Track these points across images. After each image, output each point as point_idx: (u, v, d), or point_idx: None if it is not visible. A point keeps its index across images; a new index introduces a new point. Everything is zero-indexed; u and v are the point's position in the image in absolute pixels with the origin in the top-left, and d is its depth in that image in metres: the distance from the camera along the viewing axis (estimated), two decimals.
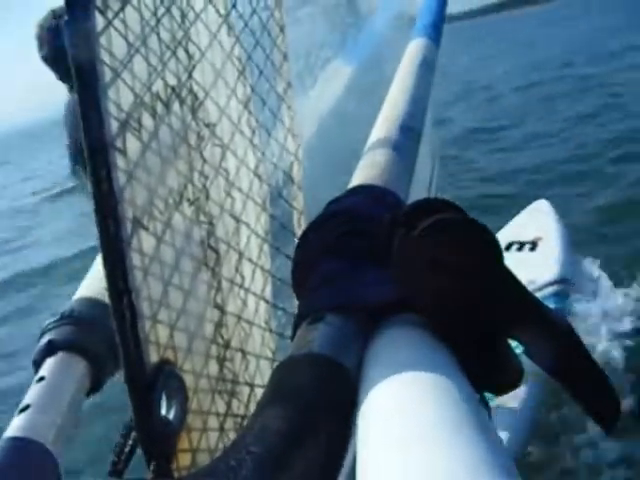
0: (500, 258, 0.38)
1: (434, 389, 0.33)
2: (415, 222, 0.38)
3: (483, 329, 0.39)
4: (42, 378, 0.68)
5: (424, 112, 0.74)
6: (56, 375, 0.69)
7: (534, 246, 4.12)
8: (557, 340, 0.41)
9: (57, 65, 2.19)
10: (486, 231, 0.38)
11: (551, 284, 3.56)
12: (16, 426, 0.63)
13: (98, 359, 0.73)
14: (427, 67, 0.83)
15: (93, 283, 0.80)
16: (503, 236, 4.52)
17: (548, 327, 0.41)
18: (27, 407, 0.65)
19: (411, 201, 0.42)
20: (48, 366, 0.70)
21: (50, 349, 0.71)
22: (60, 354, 0.71)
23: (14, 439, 0.62)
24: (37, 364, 0.71)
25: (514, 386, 0.41)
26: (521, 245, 4.18)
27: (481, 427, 0.30)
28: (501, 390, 0.41)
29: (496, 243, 0.38)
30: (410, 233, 0.38)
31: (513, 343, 0.41)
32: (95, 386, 0.74)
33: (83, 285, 0.81)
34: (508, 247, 4.20)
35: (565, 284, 3.64)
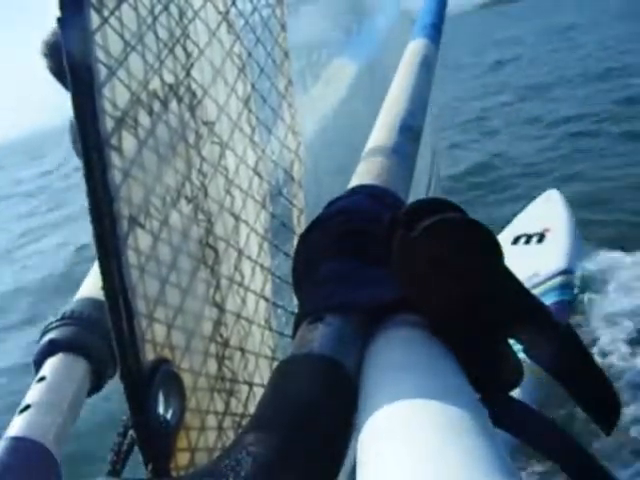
0: (500, 258, 0.38)
1: (434, 389, 0.33)
2: (415, 222, 0.38)
3: (483, 329, 0.39)
4: (43, 378, 0.68)
5: (424, 112, 0.74)
6: (57, 375, 0.69)
7: (542, 238, 4.13)
8: (557, 340, 0.41)
9: (62, 77, 2.22)
10: (486, 231, 0.38)
11: (556, 275, 3.52)
12: (16, 426, 0.63)
13: (99, 359, 0.73)
14: (427, 67, 0.83)
15: (94, 283, 0.80)
16: (511, 230, 4.53)
17: (548, 327, 0.41)
18: (27, 407, 0.65)
19: (411, 201, 0.42)
20: (49, 366, 0.70)
21: (51, 349, 0.71)
22: (61, 354, 0.71)
23: (14, 439, 0.62)
24: (38, 364, 0.71)
25: (514, 386, 0.41)
26: (529, 238, 4.19)
27: (481, 427, 0.30)
28: (501, 390, 0.41)
29: (496, 243, 0.38)
30: (410, 233, 0.38)
31: (513, 343, 0.41)
32: (96, 386, 0.74)
33: (84, 285, 0.81)
34: (515, 241, 4.22)
35: (571, 274, 3.64)
